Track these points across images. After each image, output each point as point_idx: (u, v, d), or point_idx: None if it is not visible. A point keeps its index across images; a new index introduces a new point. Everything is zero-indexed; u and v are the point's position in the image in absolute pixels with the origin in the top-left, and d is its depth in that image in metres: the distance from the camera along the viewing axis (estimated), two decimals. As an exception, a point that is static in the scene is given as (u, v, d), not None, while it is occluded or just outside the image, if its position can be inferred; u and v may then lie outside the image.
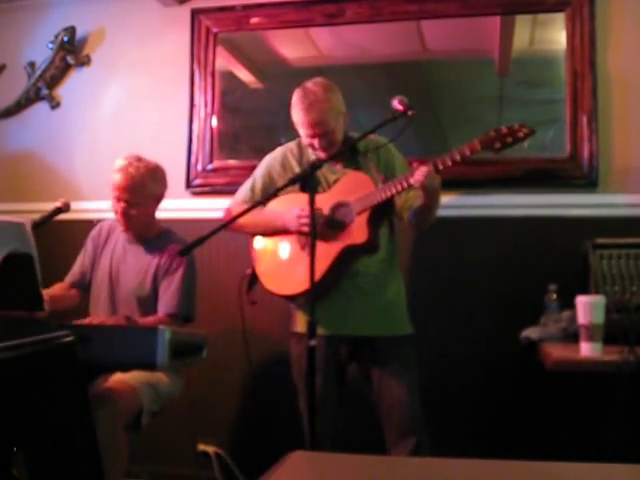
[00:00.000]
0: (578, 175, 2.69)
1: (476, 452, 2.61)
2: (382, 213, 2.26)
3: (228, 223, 2.18)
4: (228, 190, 3.03)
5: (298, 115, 2.28)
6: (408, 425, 2.23)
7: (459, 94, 2.88)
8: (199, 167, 3.11)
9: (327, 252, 2.22)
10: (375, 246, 2.24)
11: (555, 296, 2.45)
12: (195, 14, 3.17)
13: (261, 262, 2.37)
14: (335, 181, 2.31)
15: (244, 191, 2.46)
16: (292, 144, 2.43)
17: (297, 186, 2.28)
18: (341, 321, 2.30)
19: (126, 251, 2.56)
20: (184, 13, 3.18)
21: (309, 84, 2.31)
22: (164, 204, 2.62)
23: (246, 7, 3.10)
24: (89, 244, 2.64)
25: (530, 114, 2.83)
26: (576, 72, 2.71)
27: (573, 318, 2.16)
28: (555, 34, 2.79)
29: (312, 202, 1.90)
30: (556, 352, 2.07)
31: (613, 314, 2.15)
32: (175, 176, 3.04)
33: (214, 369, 2.84)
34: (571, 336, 2.22)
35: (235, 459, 2.93)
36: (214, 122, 3.13)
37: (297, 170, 2.36)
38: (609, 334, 1.99)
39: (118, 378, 2.23)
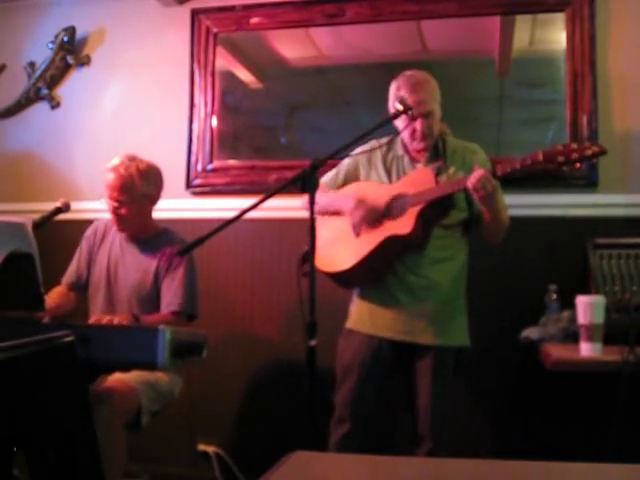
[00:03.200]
0: (578, 175, 2.69)
1: (476, 452, 2.63)
2: (438, 212, 2.18)
3: (229, 222, 2.17)
4: (228, 190, 3.05)
5: (402, 98, 2.22)
6: (427, 431, 2.21)
7: (459, 94, 2.87)
8: (199, 167, 3.11)
9: (371, 239, 2.20)
10: (419, 242, 2.17)
11: (555, 296, 2.45)
12: (195, 14, 3.17)
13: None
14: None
15: (330, 175, 2.43)
16: (385, 138, 2.35)
17: (380, 176, 2.30)
18: (384, 323, 2.25)
19: (124, 250, 2.55)
20: (184, 13, 3.18)
21: (408, 72, 2.29)
22: (164, 204, 2.61)
23: (246, 7, 3.10)
24: (84, 244, 2.63)
25: (530, 114, 2.83)
26: (576, 72, 2.71)
27: (573, 318, 2.16)
28: (555, 34, 2.80)
29: (312, 203, 1.88)
30: (556, 352, 2.07)
31: (613, 314, 2.15)
32: (175, 176, 3.05)
33: (214, 369, 2.84)
34: (571, 336, 2.22)
35: (235, 459, 2.93)
36: (214, 122, 3.13)
37: (380, 165, 2.34)
38: (609, 334, 1.99)
39: (116, 377, 2.22)
